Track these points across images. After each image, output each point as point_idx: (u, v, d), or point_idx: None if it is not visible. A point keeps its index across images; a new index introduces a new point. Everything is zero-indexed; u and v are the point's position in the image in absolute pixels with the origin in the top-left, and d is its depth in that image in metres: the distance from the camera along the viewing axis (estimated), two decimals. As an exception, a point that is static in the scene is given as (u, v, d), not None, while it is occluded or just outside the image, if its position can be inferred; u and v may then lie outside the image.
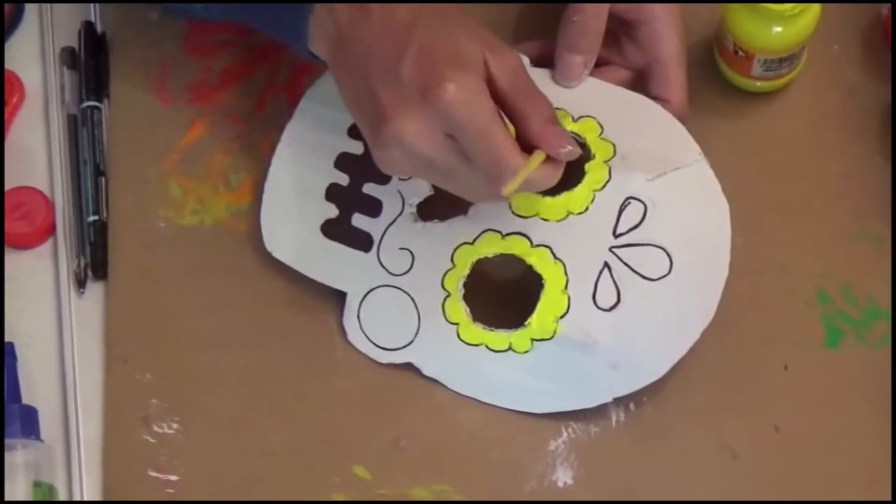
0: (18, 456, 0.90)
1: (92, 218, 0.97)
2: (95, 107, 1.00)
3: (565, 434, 0.92)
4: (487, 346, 0.92)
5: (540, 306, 0.91)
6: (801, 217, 0.97)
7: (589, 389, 0.91)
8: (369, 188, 0.94)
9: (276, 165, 0.96)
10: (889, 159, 0.97)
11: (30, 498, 0.89)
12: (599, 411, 0.92)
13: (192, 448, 0.92)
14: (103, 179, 0.99)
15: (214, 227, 0.98)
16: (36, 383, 0.94)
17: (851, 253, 0.96)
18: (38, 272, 0.97)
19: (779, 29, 0.94)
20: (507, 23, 1.02)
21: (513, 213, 0.92)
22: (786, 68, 0.97)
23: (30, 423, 0.91)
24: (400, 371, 0.93)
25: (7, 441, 0.90)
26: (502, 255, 0.93)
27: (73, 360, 0.94)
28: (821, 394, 0.92)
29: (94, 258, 0.97)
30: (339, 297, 0.94)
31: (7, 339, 0.94)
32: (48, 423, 0.93)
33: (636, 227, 0.92)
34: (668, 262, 0.91)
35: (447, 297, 0.92)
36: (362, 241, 0.94)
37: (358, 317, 0.93)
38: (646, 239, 0.91)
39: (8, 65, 1.02)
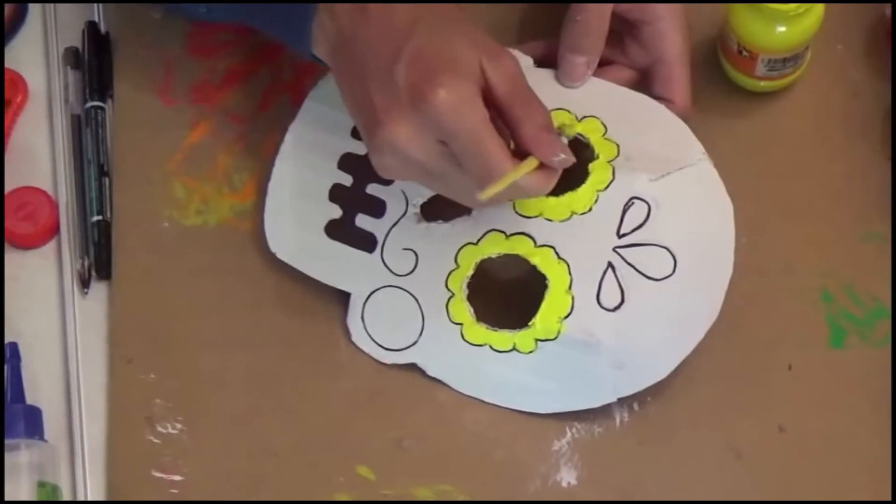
0: (22, 456, 0.90)
1: (96, 218, 0.97)
2: (99, 107, 1.00)
3: (569, 434, 0.92)
4: (491, 347, 0.92)
5: (544, 306, 0.91)
6: (804, 217, 0.97)
7: (593, 390, 0.91)
8: (373, 189, 0.94)
9: (280, 166, 0.96)
10: (891, 159, 0.97)
11: (34, 498, 0.89)
12: (603, 412, 0.92)
13: (196, 448, 0.92)
14: (107, 180, 0.99)
15: (218, 227, 0.98)
16: (40, 383, 0.94)
17: (855, 253, 0.96)
18: (41, 272, 0.97)
19: (783, 29, 0.94)
20: (512, 23, 1.02)
21: (517, 213, 0.92)
22: (789, 68, 0.97)
23: (34, 423, 0.91)
24: (403, 371, 0.93)
25: (11, 441, 0.90)
26: (506, 256, 0.93)
27: (76, 360, 0.94)
28: (825, 394, 0.92)
29: (98, 258, 0.97)
30: (343, 297, 0.94)
31: (11, 339, 0.94)
32: (52, 424, 0.93)
33: (640, 227, 0.92)
34: (672, 262, 0.91)
35: (451, 297, 0.92)
36: (366, 242, 0.94)
37: (362, 317, 0.93)
38: (650, 239, 0.91)
39: (12, 65, 1.02)
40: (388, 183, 0.94)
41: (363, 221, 0.94)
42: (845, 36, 1.01)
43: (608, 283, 0.91)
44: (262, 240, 0.95)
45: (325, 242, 0.94)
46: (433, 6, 0.84)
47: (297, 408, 0.93)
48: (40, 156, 1.00)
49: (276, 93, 1.01)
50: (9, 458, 0.90)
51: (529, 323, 0.91)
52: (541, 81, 0.92)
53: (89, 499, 0.91)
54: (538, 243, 0.92)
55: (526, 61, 0.95)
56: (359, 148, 0.95)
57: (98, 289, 0.97)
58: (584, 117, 0.94)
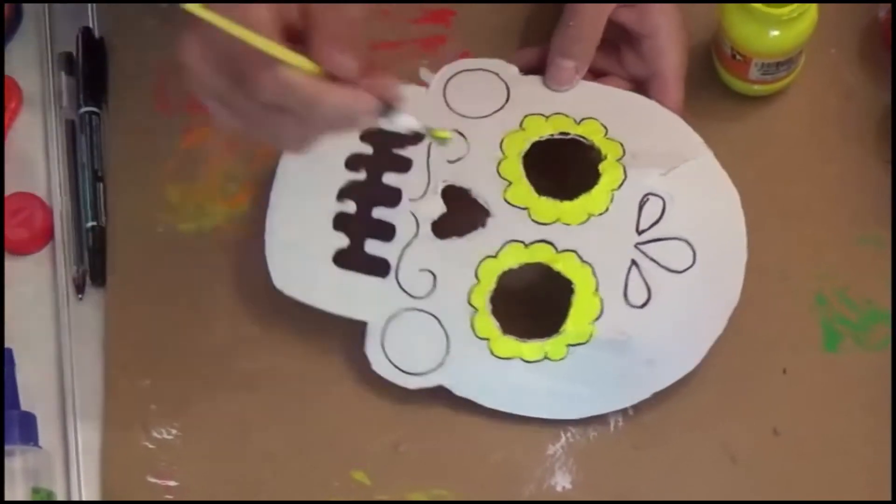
0: (17, 462, 0.90)
1: (90, 224, 0.97)
2: (94, 112, 1.00)
3: (564, 439, 0.92)
4: (522, 359, 0.91)
5: (573, 311, 0.91)
6: (799, 220, 0.97)
7: (627, 388, 0.91)
8: (379, 213, 0.93)
9: (276, 200, 0.94)
10: (889, 162, 0.97)
11: (29, 504, 0.90)
12: (598, 415, 0.92)
13: (191, 454, 0.92)
14: (102, 185, 0.99)
15: (213, 232, 0.98)
16: (34, 389, 0.94)
17: (850, 256, 0.96)
18: (36, 278, 0.97)
19: (776, 33, 0.94)
20: (514, 29, 1.01)
21: (533, 221, 0.92)
22: (783, 72, 0.97)
23: (28, 429, 0.91)
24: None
25: (6, 447, 0.90)
26: (525, 265, 0.92)
27: (71, 366, 0.94)
28: (820, 397, 0.92)
29: (93, 264, 0.97)
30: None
31: (6, 345, 0.94)
32: (47, 430, 0.93)
33: (657, 221, 0.92)
34: (691, 253, 0.91)
35: (475, 313, 0.91)
36: (379, 267, 0.92)
37: (382, 345, 0.91)
38: (668, 233, 0.92)
39: (6, 70, 1.02)
40: (394, 205, 0.93)
41: (373, 247, 0.92)
42: (839, 39, 1.01)
43: (634, 281, 0.91)
44: (258, 245, 0.94)
45: (335, 273, 0.92)
46: None
47: (292, 413, 0.93)
48: (35, 161, 1.00)
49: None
50: (5, 465, 0.89)
51: (560, 329, 0.91)
52: (532, 88, 0.92)
53: (84, 505, 0.92)
54: (559, 249, 0.92)
55: (511, 70, 0.95)
56: (357, 176, 0.94)
57: (93, 294, 0.97)
58: (583, 120, 0.94)
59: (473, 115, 0.94)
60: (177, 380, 0.94)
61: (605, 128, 0.94)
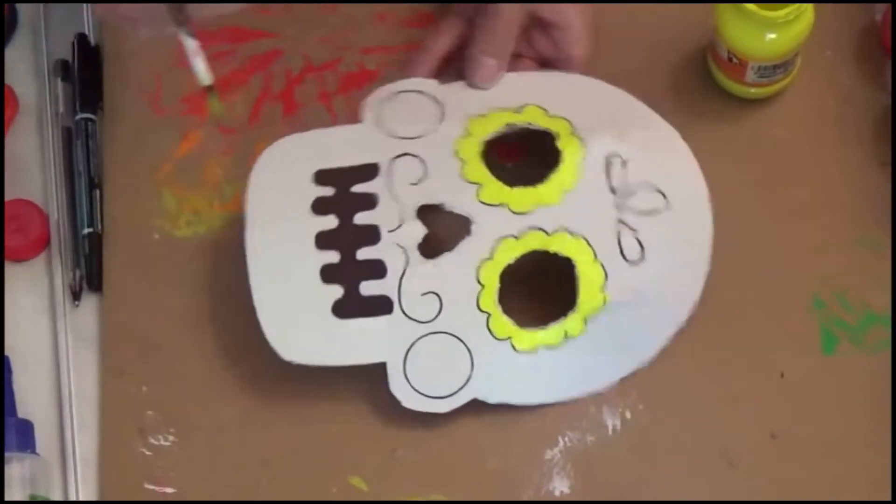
0: (14, 469, 0.90)
1: (86, 230, 0.97)
2: (89, 119, 1.00)
3: (562, 443, 0.92)
4: (545, 346, 0.91)
5: (582, 285, 0.92)
6: (796, 223, 0.97)
7: (647, 342, 0.92)
8: (364, 253, 0.92)
9: (256, 267, 0.92)
10: (888, 165, 0.97)
11: (26, 511, 0.90)
12: (595, 420, 0.92)
13: (188, 460, 0.92)
14: (98, 191, 0.99)
15: (209, 237, 0.97)
16: (31, 396, 0.94)
17: (847, 259, 0.96)
18: (32, 285, 0.97)
19: (772, 36, 0.94)
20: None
21: (513, 212, 0.92)
22: (780, 75, 0.97)
23: (25, 436, 0.91)
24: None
25: (3, 455, 0.90)
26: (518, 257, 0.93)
27: (68, 372, 0.94)
28: (817, 401, 0.92)
29: (89, 270, 0.97)
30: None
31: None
32: (43, 437, 0.93)
33: (625, 178, 0.93)
34: (662, 197, 0.93)
35: (489, 317, 0.91)
36: (382, 306, 0.91)
37: (406, 380, 0.91)
38: (637, 184, 0.93)
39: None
40: (376, 241, 0.92)
41: (369, 288, 0.91)
42: (835, 41, 1.01)
43: (626, 239, 0.92)
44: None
45: (339, 325, 0.91)
46: None
47: (289, 418, 0.93)
48: (31, 168, 1.00)
49: (267, 103, 1.01)
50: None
51: (574, 306, 0.91)
52: (461, 93, 0.95)
53: (81, 511, 0.92)
54: (550, 231, 0.92)
55: (429, 83, 0.96)
56: (327, 223, 0.93)
57: (89, 301, 0.97)
58: (522, 107, 0.95)
59: (417, 135, 0.95)
60: (174, 386, 0.94)
61: (545, 109, 0.95)
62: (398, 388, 0.91)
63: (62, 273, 0.97)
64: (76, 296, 0.96)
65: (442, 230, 0.92)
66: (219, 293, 0.96)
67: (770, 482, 0.90)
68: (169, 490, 0.91)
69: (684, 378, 0.92)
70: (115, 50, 1.02)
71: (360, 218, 0.93)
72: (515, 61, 0.97)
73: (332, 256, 0.92)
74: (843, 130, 0.99)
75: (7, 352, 0.94)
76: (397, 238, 0.92)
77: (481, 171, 0.93)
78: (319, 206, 0.93)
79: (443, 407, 0.91)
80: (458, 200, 0.93)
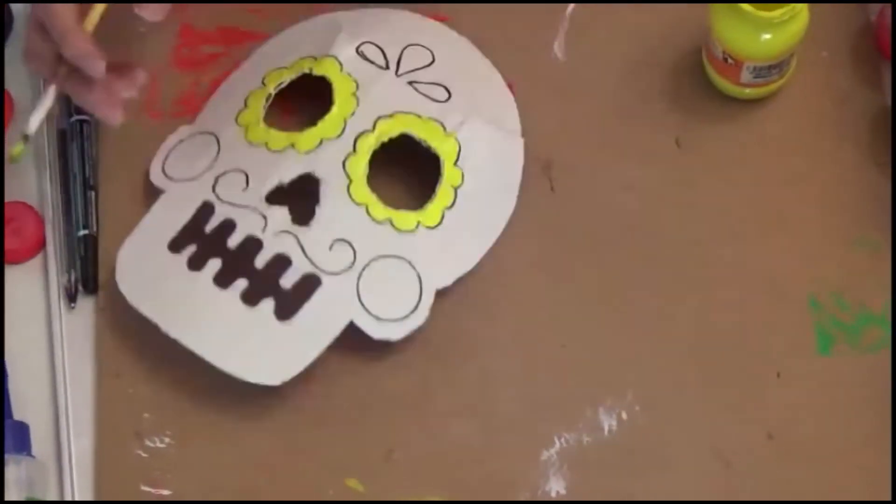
0: (10, 472, 0.90)
1: (82, 232, 0.97)
2: (84, 121, 1.00)
3: (557, 444, 0.92)
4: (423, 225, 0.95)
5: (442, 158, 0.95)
6: (791, 224, 0.97)
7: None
8: (261, 260, 0.93)
9: (183, 336, 0.93)
10: (885, 165, 0.97)
11: (22, 514, 0.90)
12: (592, 421, 0.92)
13: (185, 462, 0.92)
14: (93, 193, 0.99)
15: (205, 239, 0.97)
16: (27, 399, 0.94)
17: (843, 259, 0.96)
18: (28, 287, 0.97)
19: (768, 36, 0.94)
20: (510, 32, 1.02)
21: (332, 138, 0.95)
22: (775, 75, 0.97)
23: (21, 438, 0.91)
24: (393, 383, 0.93)
25: (-1, 457, 0.90)
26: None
27: (64, 374, 0.94)
28: (813, 401, 0.92)
29: (85, 272, 0.97)
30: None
31: (-3, 354, 0.94)
32: (39, 439, 0.92)
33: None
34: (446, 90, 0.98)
35: (367, 207, 0.94)
36: (310, 284, 0.92)
37: (375, 318, 0.93)
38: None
39: (-4, 79, 1.02)
40: (261, 246, 0.93)
41: (288, 279, 0.92)
42: (831, 42, 1.01)
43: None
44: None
45: (291, 326, 0.92)
46: None
47: (285, 420, 0.93)
48: (26, 171, 1.00)
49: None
50: (-3, 474, 0.90)
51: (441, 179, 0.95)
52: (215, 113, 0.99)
53: (78, 514, 0.92)
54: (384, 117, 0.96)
55: (183, 131, 0.99)
56: (214, 266, 0.93)
57: (85, 303, 0.97)
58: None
59: (215, 154, 0.97)
60: (170, 388, 0.94)
61: (341, 65, 0.97)
62: (377, 331, 0.92)
63: (58, 275, 0.97)
64: (72, 298, 0.96)
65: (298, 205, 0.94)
66: (214, 295, 0.96)
67: (766, 482, 0.91)
68: (165, 492, 0.91)
69: (680, 379, 0.92)
70: (109, 52, 1.01)
71: (234, 241, 0.94)
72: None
73: (243, 283, 0.93)
74: (839, 131, 0.99)
75: (3, 354, 0.94)
76: (274, 230, 0.93)
77: (263, 132, 0.96)
78: (196, 262, 0.93)
79: (421, 316, 0.93)
80: (281, 164, 0.95)
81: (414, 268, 0.93)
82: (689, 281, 0.95)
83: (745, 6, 0.93)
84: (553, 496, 0.91)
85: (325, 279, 0.93)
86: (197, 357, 0.92)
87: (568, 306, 0.95)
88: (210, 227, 0.94)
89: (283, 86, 0.98)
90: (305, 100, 0.98)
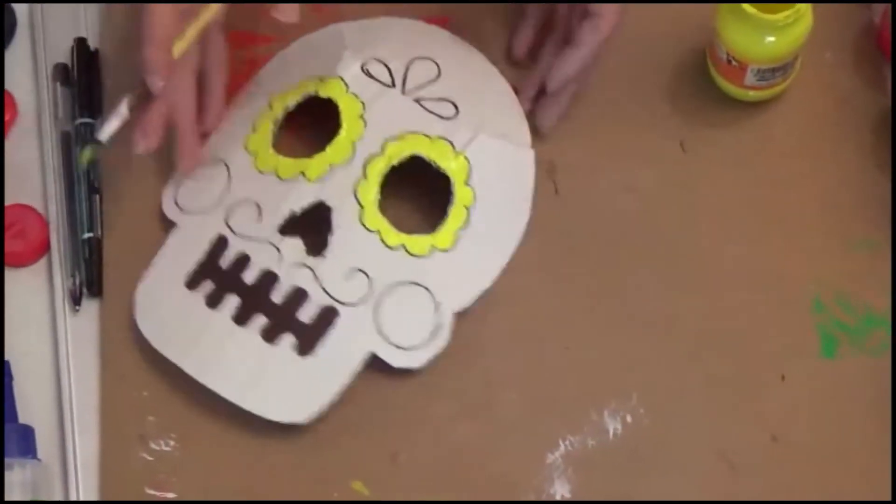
0: (15, 475, 0.90)
1: (86, 235, 0.97)
2: (89, 123, 1.00)
3: (562, 447, 0.92)
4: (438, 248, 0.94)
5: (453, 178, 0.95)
6: (795, 226, 0.97)
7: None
8: (277, 295, 0.93)
9: (207, 379, 0.93)
10: (888, 166, 0.97)
11: (27, 517, 0.90)
12: (596, 424, 0.92)
13: (189, 465, 0.92)
14: (97, 196, 0.99)
15: (209, 242, 0.98)
16: (32, 402, 0.94)
17: (847, 261, 0.96)
18: (32, 290, 0.97)
19: (772, 38, 0.94)
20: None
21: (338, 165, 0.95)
22: (779, 77, 0.97)
23: (26, 442, 0.91)
24: (398, 386, 0.93)
25: (4, 460, 0.90)
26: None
27: (69, 378, 0.94)
28: (818, 403, 0.92)
29: (89, 275, 0.97)
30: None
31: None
32: (45, 442, 0.92)
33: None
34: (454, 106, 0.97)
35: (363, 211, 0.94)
36: (328, 317, 0.92)
37: (396, 346, 0.92)
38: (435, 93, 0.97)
39: (0, 82, 1.02)
40: (276, 280, 0.93)
41: (306, 313, 0.92)
42: (834, 44, 1.01)
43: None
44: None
45: (312, 363, 0.92)
46: None
47: (290, 424, 0.92)
48: (30, 173, 1.00)
49: (266, 107, 1.01)
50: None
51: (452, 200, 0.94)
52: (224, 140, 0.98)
53: (83, 517, 0.92)
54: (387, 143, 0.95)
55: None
56: (232, 303, 0.93)
57: (89, 306, 0.96)
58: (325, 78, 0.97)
59: (222, 201, 0.96)
60: (175, 391, 0.94)
61: (346, 85, 0.96)
62: (398, 360, 0.92)
63: (62, 278, 0.97)
64: (76, 301, 0.96)
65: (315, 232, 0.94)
66: (219, 298, 0.96)
67: (771, 485, 0.91)
68: (170, 495, 0.91)
69: (685, 381, 0.92)
70: (114, 54, 1.02)
71: (250, 276, 0.93)
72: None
73: (262, 320, 0.93)
74: (842, 133, 0.99)
75: (7, 357, 0.94)
76: (289, 262, 0.93)
77: (273, 159, 0.96)
78: (213, 300, 0.93)
79: (441, 342, 0.92)
80: (292, 193, 0.94)
81: (430, 293, 0.93)
82: (694, 283, 0.95)
83: (750, 8, 0.93)
84: (558, 499, 0.91)
85: (342, 311, 0.92)
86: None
87: (572, 308, 0.95)
88: (225, 262, 0.94)
89: (289, 110, 0.97)
90: (313, 120, 0.98)
